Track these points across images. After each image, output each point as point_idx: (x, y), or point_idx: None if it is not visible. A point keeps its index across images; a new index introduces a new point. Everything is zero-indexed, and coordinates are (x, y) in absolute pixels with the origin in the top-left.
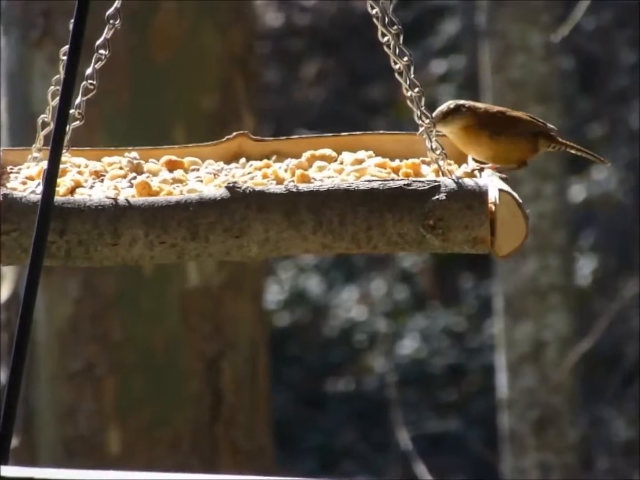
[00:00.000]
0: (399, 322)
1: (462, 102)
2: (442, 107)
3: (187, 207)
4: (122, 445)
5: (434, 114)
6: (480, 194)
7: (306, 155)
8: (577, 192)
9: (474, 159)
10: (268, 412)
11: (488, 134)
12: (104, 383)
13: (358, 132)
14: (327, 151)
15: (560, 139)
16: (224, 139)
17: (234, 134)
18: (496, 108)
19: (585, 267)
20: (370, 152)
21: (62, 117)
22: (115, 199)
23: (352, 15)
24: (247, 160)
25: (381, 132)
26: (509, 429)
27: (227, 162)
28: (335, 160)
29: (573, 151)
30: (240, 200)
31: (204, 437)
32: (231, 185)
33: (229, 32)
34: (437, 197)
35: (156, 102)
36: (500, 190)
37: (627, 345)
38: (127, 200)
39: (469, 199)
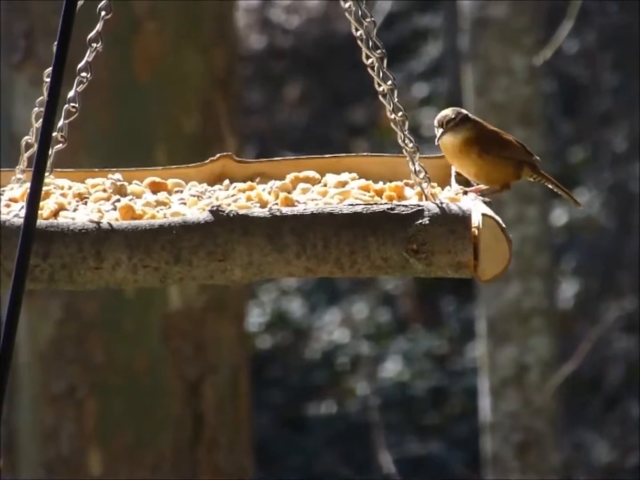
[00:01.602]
0: (381, 345)
1: (464, 112)
2: (448, 113)
3: (171, 230)
4: (104, 467)
5: (438, 118)
6: (463, 218)
7: (290, 177)
8: (560, 215)
9: (456, 181)
10: (249, 433)
11: (477, 151)
12: (86, 404)
13: (341, 155)
14: (311, 173)
15: (542, 172)
16: (208, 160)
17: (218, 155)
18: (491, 127)
19: (568, 291)
20: (354, 175)
21: (44, 140)
22: (98, 223)
23: (335, 38)
24: (231, 182)
25: (364, 154)
26: (491, 452)
27: (211, 184)
28: (319, 182)
29: (550, 185)
30: (224, 224)
31: (185, 458)
32: (215, 208)
33: (211, 53)
34: (420, 221)
35: (138, 123)
36: (484, 215)
37: (609, 368)
38: (110, 224)
39: (453, 223)
